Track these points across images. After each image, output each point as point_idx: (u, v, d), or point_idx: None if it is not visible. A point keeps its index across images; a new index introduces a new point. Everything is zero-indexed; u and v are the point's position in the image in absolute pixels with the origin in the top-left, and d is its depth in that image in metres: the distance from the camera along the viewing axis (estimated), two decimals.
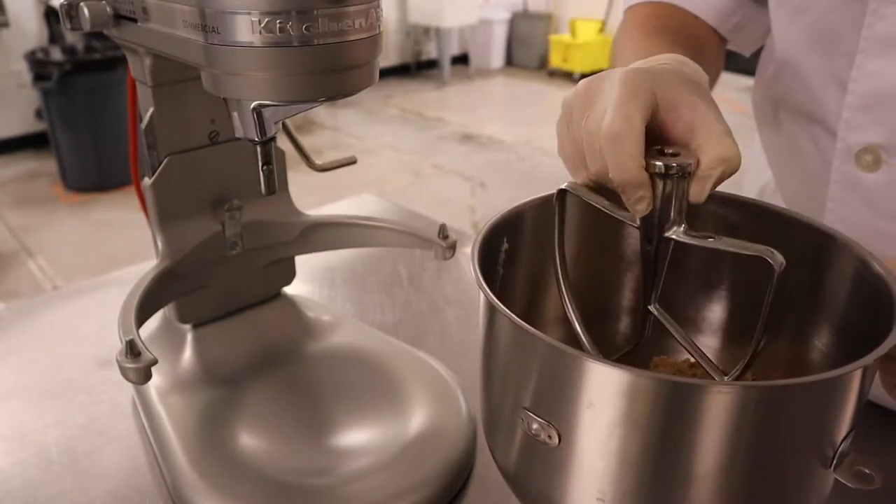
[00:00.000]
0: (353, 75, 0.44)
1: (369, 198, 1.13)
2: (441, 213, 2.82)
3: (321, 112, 4.71)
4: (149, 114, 0.57)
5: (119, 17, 0.51)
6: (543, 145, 4.19)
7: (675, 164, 0.39)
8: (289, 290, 0.71)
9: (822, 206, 0.61)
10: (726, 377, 0.45)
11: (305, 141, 0.66)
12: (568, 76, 5.68)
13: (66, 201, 3.51)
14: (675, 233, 0.42)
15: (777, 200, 0.72)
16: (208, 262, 0.63)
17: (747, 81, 0.75)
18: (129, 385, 0.64)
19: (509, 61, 6.13)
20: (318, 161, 0.66)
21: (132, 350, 0.45)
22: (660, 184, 0.40)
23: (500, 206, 0.47)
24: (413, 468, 0.54)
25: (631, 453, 0.35)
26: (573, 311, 0.47)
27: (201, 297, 0.64)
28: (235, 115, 0.46)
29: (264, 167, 0.49)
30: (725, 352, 0.52)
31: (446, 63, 5.62)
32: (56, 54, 3.51)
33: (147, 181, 0.59)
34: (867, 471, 0.35)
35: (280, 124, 0.49)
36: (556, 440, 0.37)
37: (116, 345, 0.46)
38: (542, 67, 5.96)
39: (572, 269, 0.50)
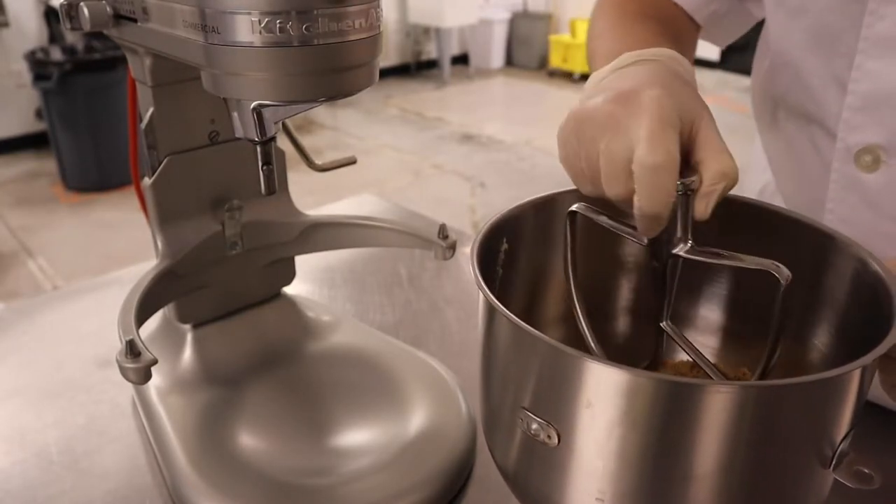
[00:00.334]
0: (353, 75, 0.44)
1: (369, 198, 1.13)
2: (441, 213, 2.82)
3: (321, 112, 4.71)
4: (149, 114, 0.57)
5: (119, 17, 0.51)
6: (543, 145, 4.19)
7: (679, 182, 0.39)
8: (289, 290, 0.71)
9: (821, 207, 0.61)
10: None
11: (305, 141, 0.66)
12: (568, 76, 5.68)
13: (66, 201, 3.52)
14: (683, 250, 0.42)
15: (777, 200, 0.72)
16: (208, 262, 0.63)
17: (747, 81, 0.75)
18: (129, 385, 0.64)
19: (509, 61, 6.13)
20: (318, 161, 0.66)
21: (132, 350, 0.45)
22: None
23: (500, 206, 0.47)
24: (413, 468, 0.54)
25: (630, 453, 0.35)
26: (588, 330, 0.48)
27: (201, 297, 0.64)
28: (235, 115, 0.46)
29: (264, 167, 0.50)
30: (726, 352, 0.52)
31: (446, 63, 5.62)
32: (56, 54, 3.51)
33: (147, 181, 0.59)
34: (866, 471, 0.35)
35: (280, 124, 0.49)
36: (556, 440, 0.37)
37: (116, 345, 0.46)
38: (542, 67, 5.96)
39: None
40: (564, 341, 0.35)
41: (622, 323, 0.55)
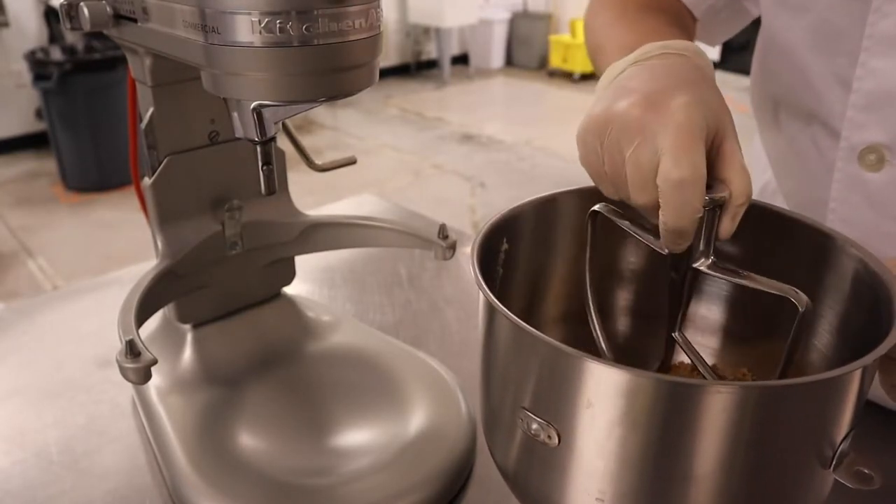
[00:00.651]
0: (353, 75, 0.44)
1: (369, 198, 1.13)
2: (441, 213, 2.82)
3: (321, 112, 4.71)
4: (149, 114, 0.57)
5: (119, 17, 0.51)
6: (543, 145, 4.19)
7: (707, 198, 0.39)
8: (289, 290, 0.71)
9: (823, 206, 0.60)
10: None
11: (305, 141, 0.66)
12: (568, 76, 5.68)
13: (66, 201, 3.52)
14: (704, 265, 0.42)
15: (777, 200, 0.72)
16: (208, 262, 0.63)
17: (747, 81, 0.75)
18: (129, 385, 0.64)
19: (509, 61, 6.13)
20: (318, 161, 0.66)
21: (132, 350, 0.45)
22: None
23: (500, 206, 0.47)
24: (413, 468, 0.54)
25: (630, 453, 0.35)
26: (599, 331, 0.48)
27: (201, 297, 0.64)
28: (235, 115, 0.46)
29: (264, 167, 0.50)
30: (725, 352, 0.52)
31: (446, 63, 5.62)
32: (56, 54, 3.51)
33: (147, 181, 0.59)
34: (867, 471, 0.35)
35: (280, 124, 0.49)
36: (556, 440, 0.37)
37: (116, 345, 0.46)
38: (542, 67, 5.96)
39: (572, 269, 0.51)
40: (564, 341, 0.35)
41: (632, 326, 0.55)
